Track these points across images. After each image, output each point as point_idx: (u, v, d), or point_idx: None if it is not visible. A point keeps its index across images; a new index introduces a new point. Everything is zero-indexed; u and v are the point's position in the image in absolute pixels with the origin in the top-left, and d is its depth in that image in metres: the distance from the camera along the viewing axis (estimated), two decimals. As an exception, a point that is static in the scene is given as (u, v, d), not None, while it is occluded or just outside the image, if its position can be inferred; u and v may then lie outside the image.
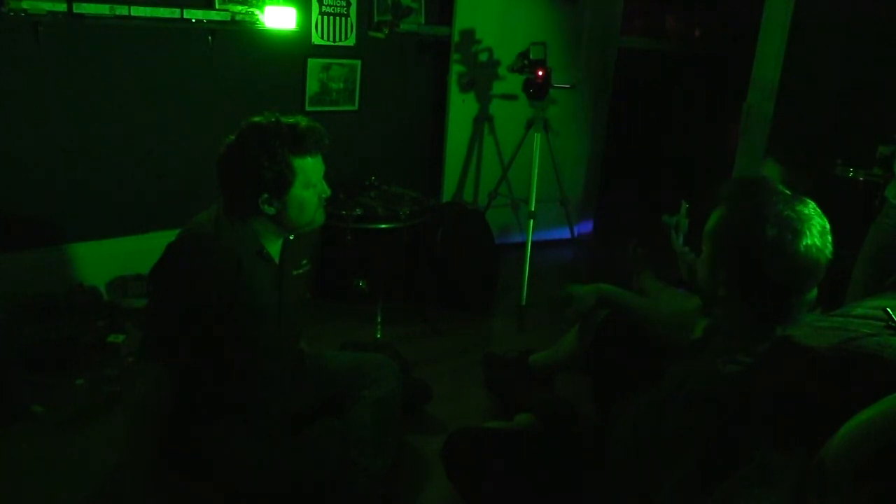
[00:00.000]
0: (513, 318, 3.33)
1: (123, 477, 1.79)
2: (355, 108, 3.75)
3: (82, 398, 2.39)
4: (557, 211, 4.11)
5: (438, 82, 3.99)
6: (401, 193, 3.57)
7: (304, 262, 1.94)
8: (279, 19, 3.23)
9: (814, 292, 1.27)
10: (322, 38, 3.53)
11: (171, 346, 1.67)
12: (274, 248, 1.82)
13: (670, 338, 1.76)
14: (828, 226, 1.26)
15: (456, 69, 3.83)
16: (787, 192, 1.29)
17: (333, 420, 1.96)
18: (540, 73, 3.33)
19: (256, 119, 1.70)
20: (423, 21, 3.84)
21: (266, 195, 1.68)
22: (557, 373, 2.49)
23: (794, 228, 1.22)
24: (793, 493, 1.02)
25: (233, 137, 1.70)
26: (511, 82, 3.73)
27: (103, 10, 2.78)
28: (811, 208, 1.26)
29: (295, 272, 1.90)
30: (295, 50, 3.44)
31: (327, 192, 1.80)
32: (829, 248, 1.24)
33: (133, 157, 3.13)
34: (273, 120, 1.69)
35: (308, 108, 3.54)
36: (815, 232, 1.23)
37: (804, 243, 1.22)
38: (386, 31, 3.62)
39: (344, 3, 3.56)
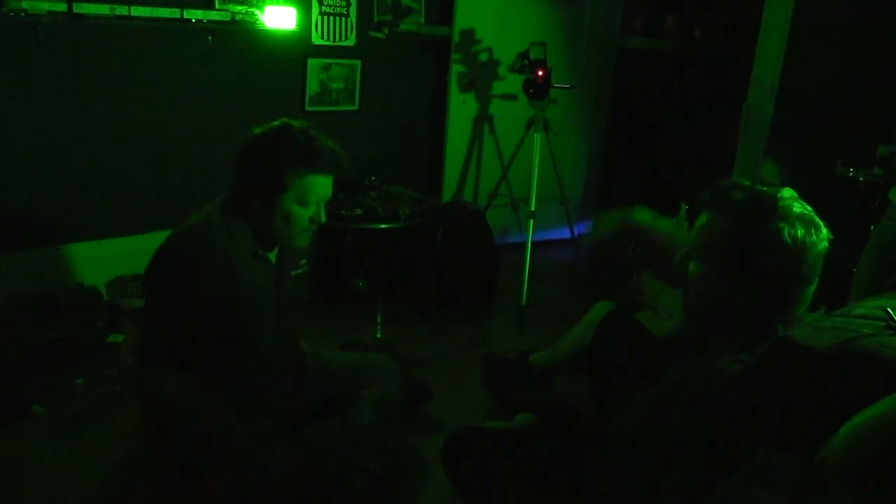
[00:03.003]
0: (513, 318, 3.33)
1: (131, 473, 1.79)
2: (355, 108, 3.75)
3: (82, 398, 2.39)
4: (557, 211, 4.10)
5: (438, 82, 3.99)
6: (401, 193, 3.57)
7: (303, 262, 1.94)
8: (279, 19, 3.22)
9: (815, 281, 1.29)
10: (322, 38, 3.53)
11: (171, 348, 1.67)
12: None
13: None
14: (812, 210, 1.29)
15: (456, 69, 3.83)
16: (770, 187, 1.30)
17: (333, 420, 1.96)
18: (540, 73, 3.33)
19: (288, 120, 1.72)
20: (423, 21, 3.84)
21: (256, 191, 1.69)
22: (557, 373, 2.49)
23: (806, 221, 1.24)
24: (793, 493, 1.01)
25: (260, 129, 1.72)
26: (511, 82, 3.72)
27: (103, 10, 2.78)
28: (797, 199, 1.29)
29: (293, 272, 1.90)
30: (295, 50, 3.44)
31: (322, 219, 1.77)
32: (826, 232, 1.27)
33: (133, 157, 3.13)
34: (303, 127, 1.71)
35: (308, 109, 3.54)
36: (817, 220, 1.26)
37: (821, 234, 1.25)
38: (386, 31, 3.62)
39: (344, 3, 3.56)
